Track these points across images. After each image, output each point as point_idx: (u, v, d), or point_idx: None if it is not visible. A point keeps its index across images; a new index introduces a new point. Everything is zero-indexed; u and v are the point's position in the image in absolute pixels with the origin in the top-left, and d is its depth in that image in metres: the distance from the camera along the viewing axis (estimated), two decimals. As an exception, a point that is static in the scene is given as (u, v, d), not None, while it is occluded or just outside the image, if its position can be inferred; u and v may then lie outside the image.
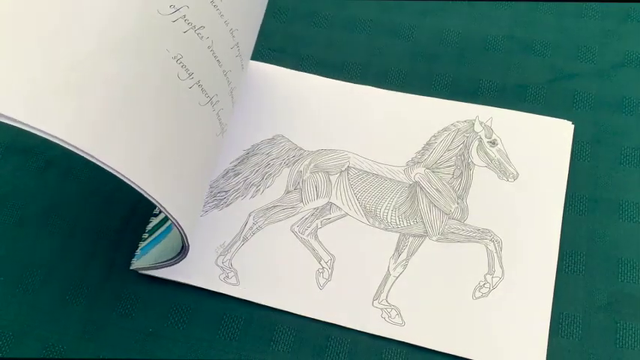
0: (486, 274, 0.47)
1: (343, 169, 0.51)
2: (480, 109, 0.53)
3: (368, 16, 0.60)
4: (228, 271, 0.48)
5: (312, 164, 0.51)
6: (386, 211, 0.49)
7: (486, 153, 0.51)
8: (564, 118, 0.52)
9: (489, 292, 0.46)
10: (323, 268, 0.47)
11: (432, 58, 0.57)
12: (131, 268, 0.48)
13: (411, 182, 0.50)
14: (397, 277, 0.47)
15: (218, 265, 0.48)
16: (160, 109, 0.39)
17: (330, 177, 0.51)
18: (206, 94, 0.43)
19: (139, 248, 0.49)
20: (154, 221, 0.50)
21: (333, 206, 0.50)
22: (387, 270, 0.47)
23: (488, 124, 0.52)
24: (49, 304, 0.47)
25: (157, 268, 0.47)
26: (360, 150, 0.52)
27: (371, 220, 0.49)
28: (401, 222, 0.49)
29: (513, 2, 0.60)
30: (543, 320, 0.45)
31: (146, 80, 0.38)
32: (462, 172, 0.50)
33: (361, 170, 0.51)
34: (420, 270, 0.47)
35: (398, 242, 0.48)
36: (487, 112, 0.53)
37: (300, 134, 0.53)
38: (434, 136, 0.52)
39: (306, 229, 0.49)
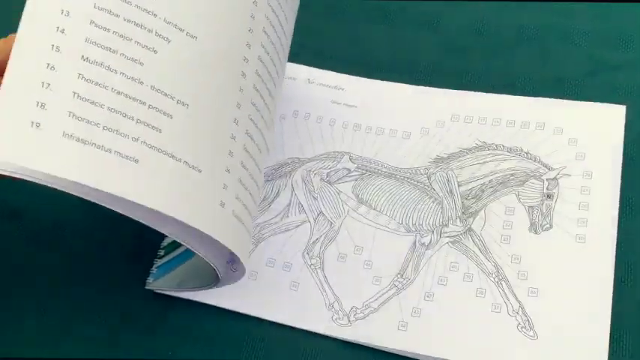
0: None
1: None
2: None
3: (393, 7, 0.58)
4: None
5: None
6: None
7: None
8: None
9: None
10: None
11: (463, 50, 0.55)
12: (147, 287, 0.45)
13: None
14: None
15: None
16: None
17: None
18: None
19: (155, 266, 0.46)
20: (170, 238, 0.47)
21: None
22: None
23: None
24: (61, 323, 0.45)
25: (181, 292, 0.45)
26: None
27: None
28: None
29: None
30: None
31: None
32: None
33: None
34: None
35: None
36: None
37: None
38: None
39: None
